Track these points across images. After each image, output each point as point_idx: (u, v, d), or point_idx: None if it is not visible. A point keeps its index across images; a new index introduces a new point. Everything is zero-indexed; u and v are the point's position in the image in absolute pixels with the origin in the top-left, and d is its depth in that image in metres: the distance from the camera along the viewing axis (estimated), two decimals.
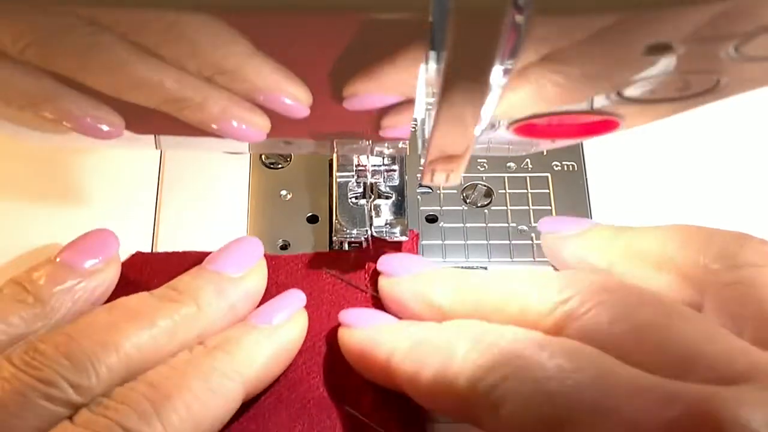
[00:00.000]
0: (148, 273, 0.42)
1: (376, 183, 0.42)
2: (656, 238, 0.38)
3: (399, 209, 0.42)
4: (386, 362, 0.35)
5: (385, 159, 0.42)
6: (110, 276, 0.39)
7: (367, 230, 0.42)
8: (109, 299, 0.38)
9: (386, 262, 0.41)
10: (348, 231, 0.41)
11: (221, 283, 0.38)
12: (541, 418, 0.29)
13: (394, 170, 0.42)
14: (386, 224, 0.42)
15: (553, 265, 0.43)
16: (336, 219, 0.42)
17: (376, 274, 0.42)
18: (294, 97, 0.30)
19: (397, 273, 0.40)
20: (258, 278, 0.40)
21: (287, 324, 0.38)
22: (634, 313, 0.32)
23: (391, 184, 0.42)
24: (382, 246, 0.43)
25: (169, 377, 0.34)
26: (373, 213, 0.42)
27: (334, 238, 0.42)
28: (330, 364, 0.40)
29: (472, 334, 0.33)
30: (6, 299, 0.36)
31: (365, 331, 0.37)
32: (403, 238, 0.42)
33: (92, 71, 0.29)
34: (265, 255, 0.40)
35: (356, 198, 0.42)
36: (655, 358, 0.30)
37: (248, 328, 0.38)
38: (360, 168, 0.42)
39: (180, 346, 0.36)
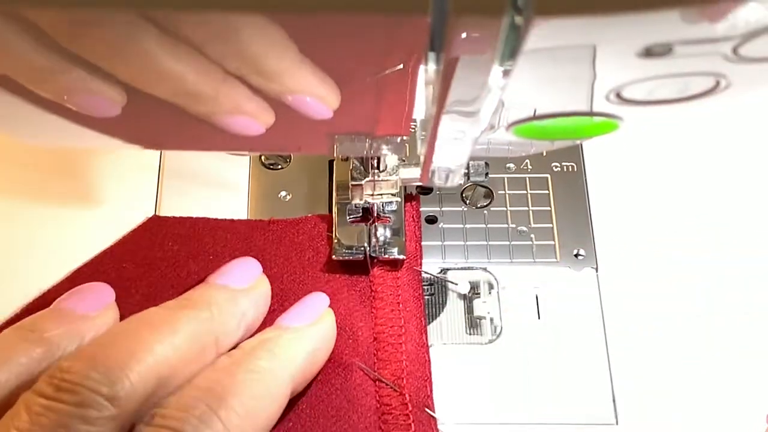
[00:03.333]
0: (161, 236, 0.44)
1: (375, 207, 0.43)
2: None
3: (397, 233, 0.43)
4: None
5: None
6: (108, 321, 0.39)
7: (365, 248, 0.42)
8: (124, 263, 0.39)
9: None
10: (347, 251, 0.42)
11: (230, 292, 0.39)
12: None
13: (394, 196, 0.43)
14: (384, 244, 0.42)
15: None
16: (335, 239, 0.43)
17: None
18: (324, 100, 0.29)
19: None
20: (264, 287, 0.41)
21: (318, 323, 0.39)
22: None
23: (390, 209, 0.43)
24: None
25: (219, 380, 0.35)
26: (372, 235, 0.43)
27: (333, 257, 0.43)
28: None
29: None
30: (12, 341, 0.36)
31: None
32: (401, 257, 0.42)
33: (118, 60, 0.27)
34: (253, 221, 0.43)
35: (355, 221, 0.43)
36: None
37: (281, 330, 0.39)
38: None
39: (202, 351, 0.36)
